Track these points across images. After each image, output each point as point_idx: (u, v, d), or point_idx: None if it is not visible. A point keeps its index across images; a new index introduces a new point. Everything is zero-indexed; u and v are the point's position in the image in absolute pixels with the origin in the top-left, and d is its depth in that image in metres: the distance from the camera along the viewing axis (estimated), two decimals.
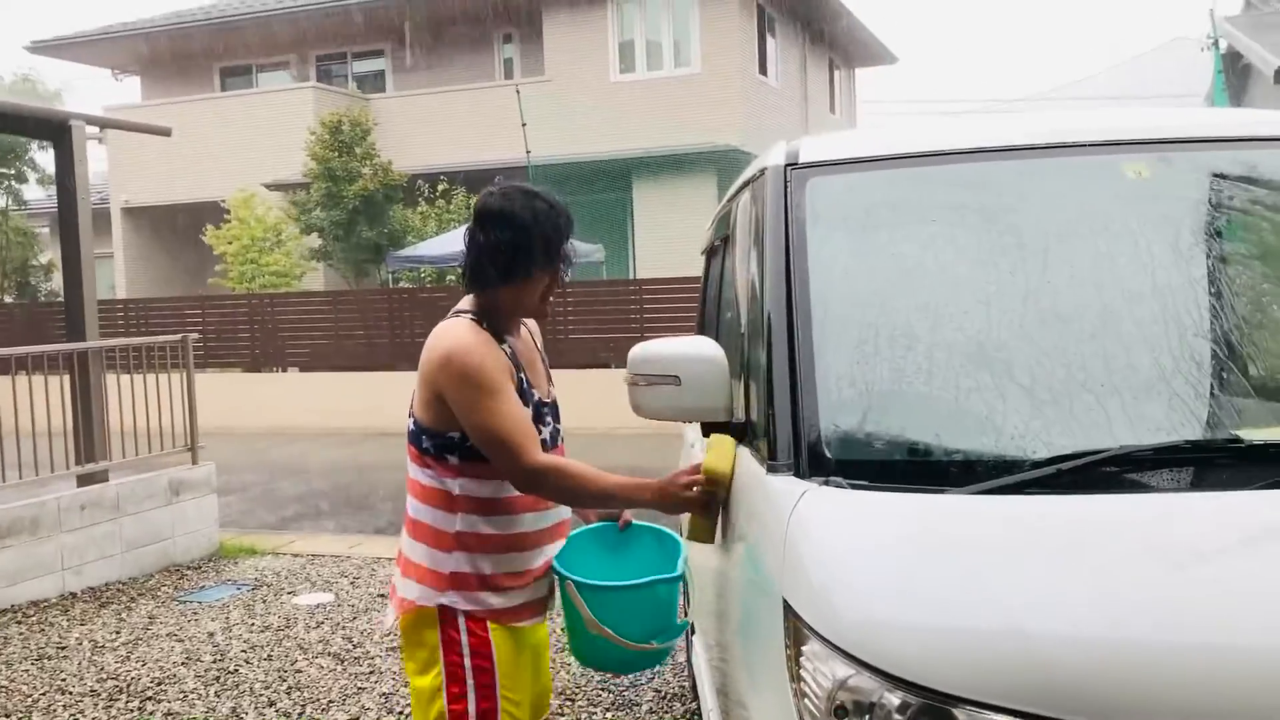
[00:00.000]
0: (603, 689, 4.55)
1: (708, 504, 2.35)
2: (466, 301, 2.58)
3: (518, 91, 15.33)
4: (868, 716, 1.55)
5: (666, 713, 4.28)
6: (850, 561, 1.71)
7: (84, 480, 6.87)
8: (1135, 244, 2.20)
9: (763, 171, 2.56)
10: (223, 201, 18.43)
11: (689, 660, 4.20)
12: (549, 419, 2.63)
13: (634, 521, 2.74)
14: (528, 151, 14.69)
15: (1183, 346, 2.03)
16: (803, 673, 1.68)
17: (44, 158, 20.74)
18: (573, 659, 4.85)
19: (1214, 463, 1.85)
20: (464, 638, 2.50)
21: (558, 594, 2.60)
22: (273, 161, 19.72)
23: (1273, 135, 2.42)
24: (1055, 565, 1.62)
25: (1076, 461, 1.81)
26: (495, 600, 2.53)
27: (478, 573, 2.51)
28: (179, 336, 7.51)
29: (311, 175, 17.53)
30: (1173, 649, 1.47)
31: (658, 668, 4.67)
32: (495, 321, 2.54)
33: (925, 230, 2.32)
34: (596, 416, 10.72)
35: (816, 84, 23.80)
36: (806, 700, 1.65)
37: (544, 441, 2.55)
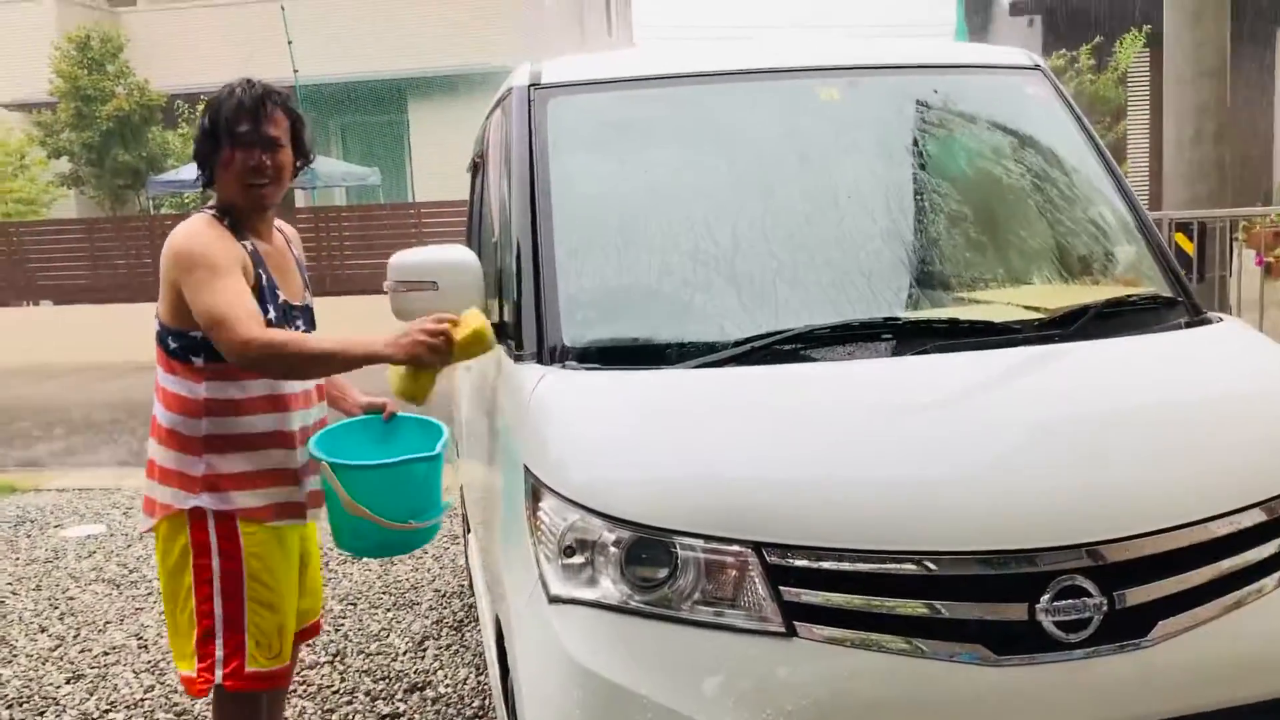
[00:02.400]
0: (385, 592, 4.77)
1: (443, 355, 2.34)
2: (213, 200, 2.65)
3: (282, 8, 14.72)
4: (590, 551, 1.85)
5: (445, 608, 4.54)
6: (577, 428, 2.01)
7: None
8: (824, 157, 2.58)
9: (509, 91, 2.78)
10: None
11: (467, 562, 4.47)
12: (300, 323, 2.66)
13: (398, 413, 2.82)
14: (295, 71, 14.20)
15: (860, 245, 2.42)
16: (539, 524, 1.96)
17: None
18: (351, 562, 5.04)
19: (877, 337, 2.23)
20: (213, 540, 2.53)
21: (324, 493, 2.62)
22: (9, 80, 18.20)
23: (936, 62, 2.85)
24: (742, 420, 1.97)
25: (767, 340, 2.16)
26: (246, 499, 2.55)
27: (228, 473, 2.53)
28: None
29: (58, 94, 16.33)
30: (828, 480, 1.84)
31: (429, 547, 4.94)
32: (234, 218, 2.58)
33: (649, 146, 2.62)
34: None
35: (593, 6, 23.90)
36: (542, 547, 1.94)
37: None
